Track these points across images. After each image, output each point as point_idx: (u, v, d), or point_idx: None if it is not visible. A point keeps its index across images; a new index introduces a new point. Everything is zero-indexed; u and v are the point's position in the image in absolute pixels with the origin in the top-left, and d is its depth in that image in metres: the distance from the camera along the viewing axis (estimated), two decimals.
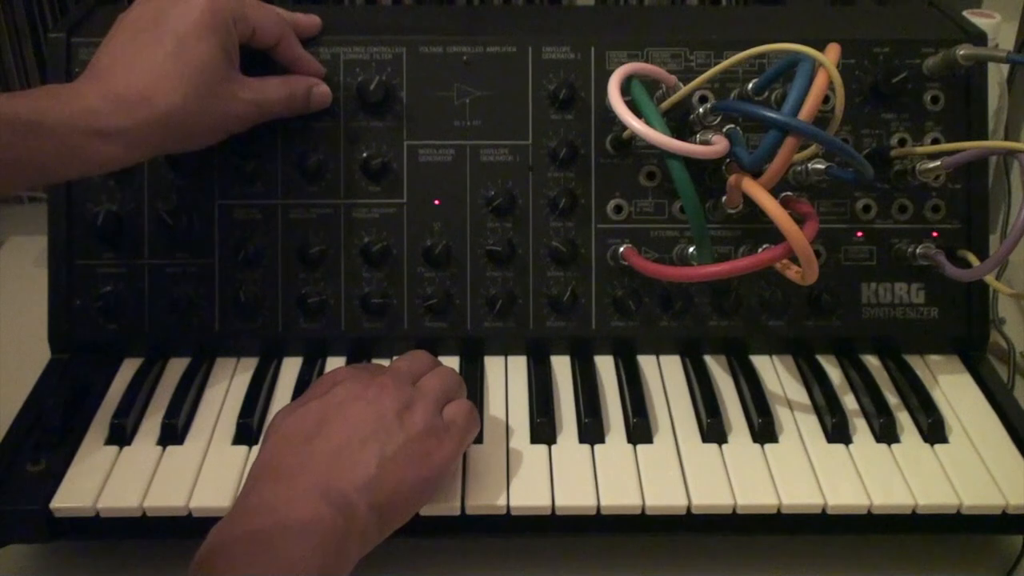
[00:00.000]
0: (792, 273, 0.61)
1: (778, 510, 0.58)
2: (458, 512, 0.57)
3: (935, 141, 0.68)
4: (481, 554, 0.61)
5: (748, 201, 0.60)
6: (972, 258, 0.67)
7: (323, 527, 0.48)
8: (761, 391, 0.65)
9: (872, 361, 0.69)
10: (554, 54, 0.68)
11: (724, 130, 0.63)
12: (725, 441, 0.62)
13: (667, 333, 0.69)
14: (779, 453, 0.61)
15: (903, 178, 0.68)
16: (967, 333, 0.70)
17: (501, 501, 0.57)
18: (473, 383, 0.66)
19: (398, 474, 0.52)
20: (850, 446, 0.62)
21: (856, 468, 0.60)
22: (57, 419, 0.61)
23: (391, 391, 0.55)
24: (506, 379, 0.68)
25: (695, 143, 0.61)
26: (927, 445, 0.62)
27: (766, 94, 0.66)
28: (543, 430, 0.62)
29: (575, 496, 0.58)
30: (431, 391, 0.57)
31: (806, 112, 0.55)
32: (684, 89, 0.63)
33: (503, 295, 0.67)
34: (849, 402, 0.65)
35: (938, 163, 0.66)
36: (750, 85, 0.65)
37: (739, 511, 0.58)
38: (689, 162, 0.59)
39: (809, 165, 0.65)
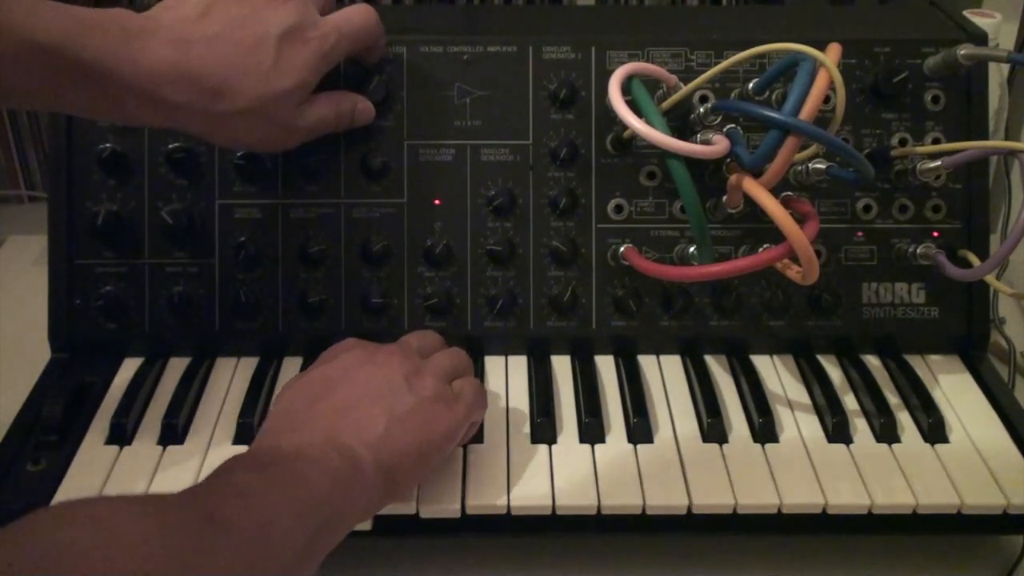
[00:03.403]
0: (793, 273, 0.61)
1: (778, 510, 0.58)
2: (458, 512, 0.57)
3: (935, 141, 0.68)
4: (481, 554, 0.61)
5: (748, 201, 0.60)
6: (972, 258, 0.67)
7: (334, 470, 0.48)
8: (761, 391, 0.65)
9: (872, 361, 0.69)
10: (554, 54, 0.68)
11: (725, 130, 0.63)
12: (725, 441, 0.62)
13: (667, 333, 0.69)
14: (779, 453, 0.61)
15: (903, 178, 0.68)
16: (967, 333, 0.70)
17: (501, 501, 0.57)
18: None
19: (406, 435, 0.52)
20: (851, 446, 0.62)
21: (856, 468, 0.60)
22: (57, 419, 0.61)
23: (399, 358, 0.55)
24: (506, 379, 0.68)
25: (696, 143, 0.61)
26: (928, 445, 0.62)
27: (766, 94, 0.66)
28: (543, 430, 0.62)
29: (575, 496, 0.58)
30: (440, 363, 0.57)
31: (807, 112, 0.55)
32: (685, 89, 0.63)
33: (503, 295, 0.67)
34: (849, 402, 0.65)
35: (938, 163, 0.66)
36: (751, 85, 0.65)
37: (739, 511, 0.58)
38: (689, 162, 0.59)
39: (810, 165, 0.65)
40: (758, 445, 0.62)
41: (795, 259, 0.57)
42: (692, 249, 0.65)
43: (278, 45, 0.56)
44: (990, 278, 0.65)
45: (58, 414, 0.61)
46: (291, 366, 0.68)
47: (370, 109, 0.66)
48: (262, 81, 0.56)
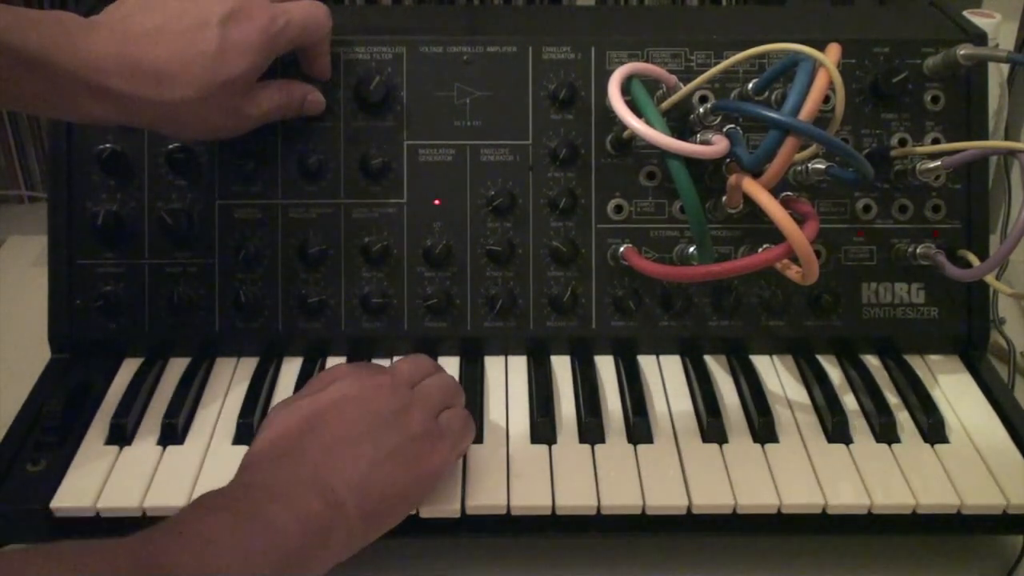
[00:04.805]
0: (792, 273, 0.61)
1: (778, 510, 0.58)
2: (458, 512, 0.57)
3: (935, 141, 0.68)
4: (481, 554, 0.61)
5: (748, 201, 0.60)
6: (972, 258, 0.67)
7: (309, 512, 0.48)
8: (761, 391, 0.65)
9: (872, 361, 0.69)
10: (554, 54, 0.68)
11: (724, 130, 0.63)
12: (725, 441, 0.62)
13: (667, 333, 0.69)
14: (779, 453, 0.61)
15: (903, 178, 0.68)
16: (967, 333, 0.70)
17: (501, 501, 0.57)
18: (473, 383, 0.66)
19: (390, 476, 0.51)
20: (850, 446, 0.62)
21: (856, 468, 0.60)
22: (57, 419, 0.61)
23: (388, 392, 0.55)
24: (506, 379, 0.68)
25: (695, 143, 0.61)
26: (927, 445, 0.62)
27: (766, 94, 0.66)
28: (543, 430, 0.62)
29: (575, 496, 0.58)
30: (429, 395, 0.57)
31: (806, 112, 0.55)
32: (684, 89, 0.63)
33: (503, 295, 0.67)
34: (849, 402, 0.65)
35: (938, 163, 0.66)
36: (750, 85, 0.65)
37: (739, 511, 0.58)
38: (689, 162, 0.59)
39: (809, 165, 0.65)
40: (758, 445, 0.62)
41: (795, 259, 0.57)
42: (692, 249, 0.65)
43: (221, 30, 0.56)
44: (990, 278, 0.65)
45: (58, 414, 0.61)
46: (291, 366, 0.68)
47: (320, 101, 0.66)
48: (209, 68, 0.55)
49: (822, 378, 0.67)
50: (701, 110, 0.63)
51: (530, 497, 0.58)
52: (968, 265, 0.67)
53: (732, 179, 0.60)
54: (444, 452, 0.55)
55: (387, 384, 0.55)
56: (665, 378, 0.68)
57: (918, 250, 0.68)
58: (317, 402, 0.54)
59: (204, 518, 0.46)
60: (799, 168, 0.66)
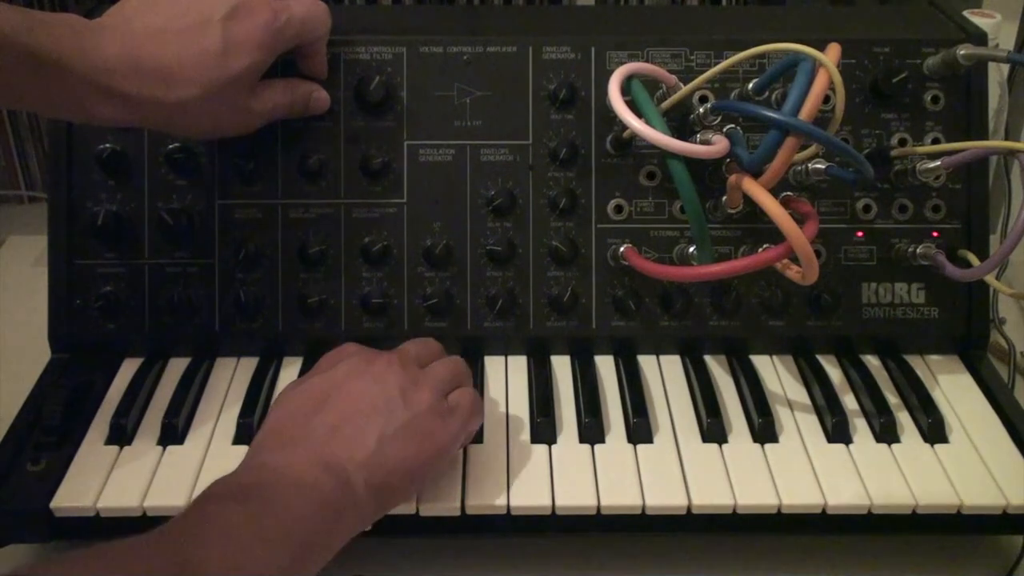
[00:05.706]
0: (792, 273, 0.61)
1: (778, 510, 0.58)
2: (458, 512, 0.57)
3: (935, 141, 0.68)
4: (481, 554, 0.61)
5: (748, 201, 0.60)
6: (972, 258, 0.67)
7: (321, 492, 0.48)
8: (761, 391, 0.65)
9: (872, 361, 0.69)
10: (554, 54, 0.68)
11: (724, 130, 0.63)
12: (725, 441, 0.62)
13: (667, 333, 0.69)
14: (779, 453, 0.61)
15: (903, 178, 0.68)
16: (967, 333, 0.70)
17: (501, 501, 0.57)
18: (473, 383, 0.66)
19: (398, 452, 0.52)
20: (850, 446, 0.62)
21: (856, 468, 0.60)
22: (57, 419, 0.61)
23: (397, 369, 0.55)
24: (506, 379, 0.68)
25: (695, 143, 0.61)
26: (927, 445, 0.62)
27: (766, 94, 0.66)
28: (543, 430, 0.62)
29: (575, 496, 0.58)
30: (437, 374, 0.57)
31: (806, 112, 0.55)
32: (684, 89, 0.63)
33: (503, 295, 0.67)
34: (849, 402, 0.65)
35: (938, 163, 0.66)
36: (750, 85, 0.65)
37: (739, 511, 0.58)
38: (689, 162, 0.59)
39: (809, 165, 0.65)
40: (758, 445, 0.62)
41: (795, 259, 0.57)
42: (692, 249, 0.65)
43: (224, 27, 0.56)
44: (990, 278, 0.65)
45: (58, 414, 0.61)
46: (291, 366, 0.68)
47: (325, 98, 0.66)
48: (213, 65, 0.56)
49: (822, 378, 0.67)
50: (701, 110, 0.63)
51: (530, 497, 0.58)
52: (968, 265, 0.67)
53: (732, 179, 0.60)
54: (453, 429, 0.55)
55: (395, 362, 0.56)
56: (665, 378, 0.68)
57: (918, 250, 0.68)
58: (326, 381, 0.54)
59: (223, 509, 0.46)
60: (799, 168, 0.66)
